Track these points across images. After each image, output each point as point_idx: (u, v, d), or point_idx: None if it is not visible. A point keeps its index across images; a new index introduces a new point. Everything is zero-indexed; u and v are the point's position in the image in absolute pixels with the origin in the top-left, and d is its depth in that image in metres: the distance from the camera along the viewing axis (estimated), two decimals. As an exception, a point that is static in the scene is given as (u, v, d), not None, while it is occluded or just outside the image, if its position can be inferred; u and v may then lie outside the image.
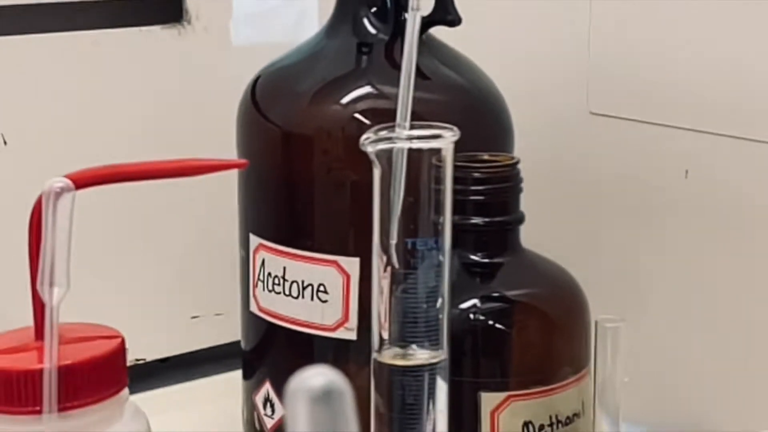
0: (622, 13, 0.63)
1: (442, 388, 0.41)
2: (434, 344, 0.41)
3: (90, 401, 0.39)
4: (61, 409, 0.37)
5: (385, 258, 0.40)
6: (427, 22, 0.53)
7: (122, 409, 0.41)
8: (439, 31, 0.55)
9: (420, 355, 0.40)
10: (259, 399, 0.56)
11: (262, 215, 0.56)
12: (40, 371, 0.37)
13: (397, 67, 0.42)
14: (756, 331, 0.59)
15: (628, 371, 0.48)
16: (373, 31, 0.53)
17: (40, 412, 0.37)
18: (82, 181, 0.38)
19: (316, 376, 0.20)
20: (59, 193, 0.37)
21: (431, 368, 0.40)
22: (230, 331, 0.66)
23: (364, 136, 0.39)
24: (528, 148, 0.55)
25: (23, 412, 0.38)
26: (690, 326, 0.62)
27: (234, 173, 0.57)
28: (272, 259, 0.54)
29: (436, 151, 0.39)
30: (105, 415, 0.40)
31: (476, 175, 0.48)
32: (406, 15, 0.42)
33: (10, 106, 0.66)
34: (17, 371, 0.38)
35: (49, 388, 0.37)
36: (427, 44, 0.53)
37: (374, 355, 0.41)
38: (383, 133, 0.39)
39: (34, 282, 0.38)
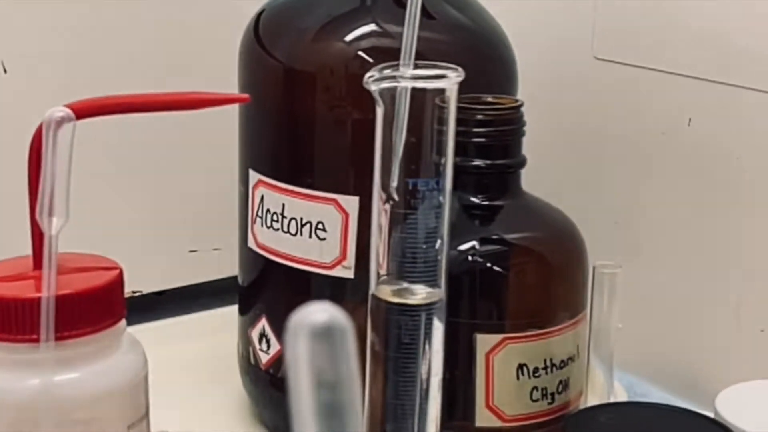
0: (630, -42, 0.62)
1: (438, 328, 0.41)
2: (432, 285, 0.41)
3: (87, 331, 0.39)
4: (58, 339, 0.37)
5: (385, 197, 0.40)
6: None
7: (119, 340, 0.41)
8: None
9: (417, 295, 0.40)
10: (254, 334, 0.56)
11: (262, 151, 0.55)
12: (38, 300, 0.37)
13: (403, 5, 0.41)
14: (752, 280, 0.59)
15: (623, 318, 0.49)
16: (379, -32, 0.53)
17: (37, 340, 0.37)
18: (83, 111, 0.38)
19: (319, 312, 0.20)
20: (60, 123, 0.37)
21: (428, 308, 0.40)
22: (228, 266, 0.66)
23: (368, 74, 0.39)
24: (532, 92, 0.55)
25: (20, 340, 0.38)
26: (686, 275, 0.62)
27: (235, 108, 0.57)
28: (271, 195, 0.54)
29: (440, 92, 0.39)
30: (102, 345, 0.40)
31: (479, 117, 0.48)
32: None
33: (11, 33, 0.65)
34: (15, 299, 0.38)
35: (47, 316, 0.37)
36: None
37: (372, 290, 0.41)
38: (387, 72, 0.39)
39: (33, 211, 0.38)
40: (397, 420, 0.41)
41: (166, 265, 0.73)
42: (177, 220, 0.73)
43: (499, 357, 0.48)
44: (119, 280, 0.40)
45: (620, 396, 0.57)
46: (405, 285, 0.40)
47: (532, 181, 0.51)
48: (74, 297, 0.38)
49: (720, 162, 0.59)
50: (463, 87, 0.40)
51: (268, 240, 0.54)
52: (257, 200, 0.55)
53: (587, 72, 0.65)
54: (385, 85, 0.39)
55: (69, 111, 0.37)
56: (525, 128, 0.49)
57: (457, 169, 0.42)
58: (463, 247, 0.48)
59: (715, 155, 0.59)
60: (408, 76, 0.39)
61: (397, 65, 0.39)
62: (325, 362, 0.20)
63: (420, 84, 0.39)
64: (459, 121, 0.41)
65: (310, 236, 0.53)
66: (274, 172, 0.54)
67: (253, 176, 0.55)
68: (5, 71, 0.65)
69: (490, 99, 0.50)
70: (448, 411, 0.45)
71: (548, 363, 0.49)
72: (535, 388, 0.48)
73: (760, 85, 0.57)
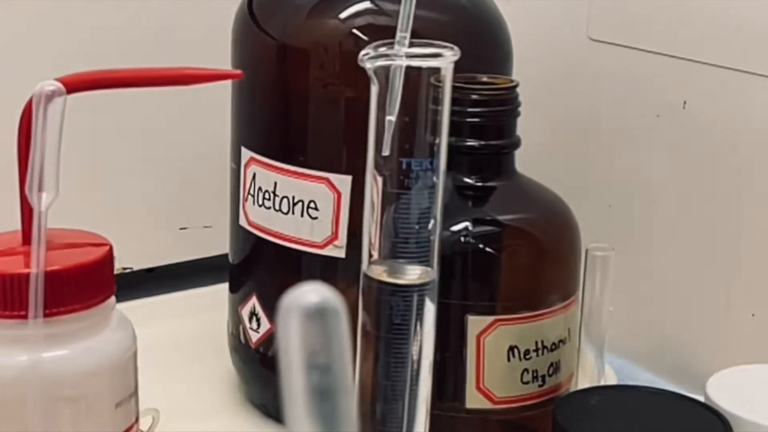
0: (628, -62, 0.62)
1: (430, 309, 0.40)
2: (424, 265, 0.40)
3: (76, 308, 0.39)
4: (46, 315, 0.37)
5: (378, 176, 0.39)
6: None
7: (108, 317, 0.41)
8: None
9: (410, 275, 0.40)
10: (245, 313, 0.56)
11: (254, 128, 0.55)
12: (27, 276, 0.37)
13: (399, -17, 0.41)
14: (744, 265, 0.59)
15: (615, 301, 0.49)
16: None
17: (25, 317, 0.37)
18: (74, 85, 0.38)
19: (310, 293, 0.19)
20: (50, 97, 0.37)
21: (420, 289, 0.40)
22: (218, 243, 0.65)
23: (362, 52, 0.38)
24: (526, 73, 0.55)
25: (9, 316, 0.38)
26: (679, 259, 0.62)
27: (228, 84, 0.56)
28: (263, 173, 0.53)
29: (435, 71, 0.39)
30: (91, 322, 0.39)
31: (474, 96, 0.48)
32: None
33: (1, 6, 0.64)
34: (3, 275, 0.38)
35: (36, 292, 0.36)
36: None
37: (364, 270, 0.41)
38: (382, 50, 0.38)
39: (22, 186, 0.38)
40: (387, 401, 0.41)
41: (157, 241, 0.72)
42: (168, 197, 0.72)
43: (490, 338, 0.47)
44: (109, 257, 0.40)
45: (610, 379, 0.57)
46: (397, 265, 0.40)
47: (525, 162, 0.51)
48: (63, 273, 0.38)
49: (715, 145, 0.59)
50: (457, 66, 0.39)
51: (260, 218, 0.54)
52: (249, 178, 0.54)
53: (582, 53, 0.65)
54: (380, 63, 0.38)
55: (60, 85, 0.37)
56: (520, 109, 0.49)
57: (451, 150, 0.41)
58: (456, 227, 0.48)
59: (709, 138, 0.59)
60: (403, 55, 0.38)
61: (393, 43, 0.39)
62: (316, 344, 0.19)
63: (415, 62, 0.38)
64: (453, 101, 0.40)
65: (302, 215, 0.52)
66: (267, 150, 0.53)
67: (245, 154, 0.55)
68: (-4, 44, 0.64)
69: (485, 79, 0.49)
70: (438, 392, 0.45)
71: (539, 345, 0.48)
72: (526, 370, 0.48)
73: (756, 68, 0.56)
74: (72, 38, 0.66)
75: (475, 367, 0.48)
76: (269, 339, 0.55)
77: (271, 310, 0.55)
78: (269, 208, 0.53)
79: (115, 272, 0.41)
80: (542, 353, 0.48)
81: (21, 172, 0.38)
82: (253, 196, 0.54)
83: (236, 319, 0.57)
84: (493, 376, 0.48)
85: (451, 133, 0.40)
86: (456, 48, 0.39)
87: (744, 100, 0.57)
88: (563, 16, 0.66)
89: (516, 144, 0.49)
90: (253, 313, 0.55)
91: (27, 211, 0.39)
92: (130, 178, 0.70)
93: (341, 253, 0.52)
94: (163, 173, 0.72)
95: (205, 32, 0.67)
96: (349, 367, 0.20)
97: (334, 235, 0.52)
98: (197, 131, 0.71)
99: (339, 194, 0.51)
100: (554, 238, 0.50)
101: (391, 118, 0.38)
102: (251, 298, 0.56)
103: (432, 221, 0.40)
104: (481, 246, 0.48)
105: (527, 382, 0.48)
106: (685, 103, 0.60)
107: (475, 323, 0.47)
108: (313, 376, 0.19)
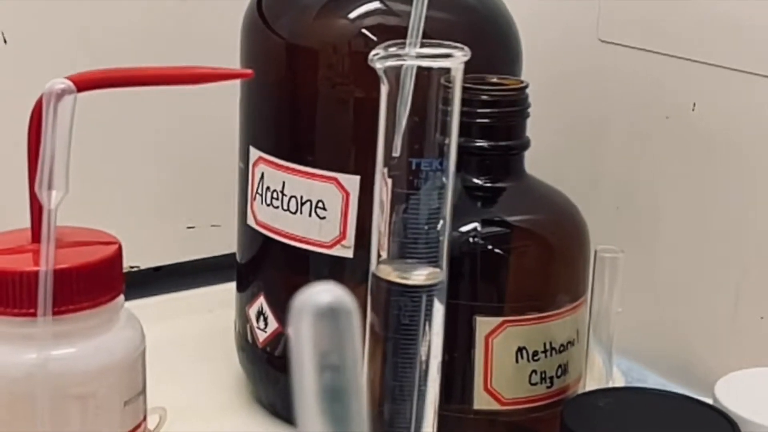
0: (638, -60, 0.62)
1: (439, 310, 0.40)
2: (433, 266, 0.40)
3: (85, 306, 0.39)
4: (55, 313, 0.37)
5: (388, 177, 0.39)
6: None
7: (117, 316, 0.41)
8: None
9: (418, 276, 0.40)
10: (252, 312, 0.56)
11: (263, 128, 0.55)
12: (36, 273, 0.37)
13: (408, -17, 0.41)
14: (752, 267, 0.59)
15: (623, 303, 0.48)
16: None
17: (34, 314, 0.37)
18: (84, 83, 0.38)
19: (323, 293, 0.19)
20: (60, 95, 0.37)
21: (429, 289, 0.40)
22: (226, 242, 0.65)
23: (373, 52, 0.38)
24: (536, 74, 0.55)
25: (18, 314, 0.38)
26: (687, 261, 0.62)
27: (236, 83, 0.56)
28: (272, 172, 0.53)
29: (446, 71, 0.39)
30: (100, 320, 0.39)
31: (484, 97, 0.48)
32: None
33: (11, 3, 0.64)
34: (13, 272, 0.38)
35: (45, 290, 0.36)
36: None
37: (372, 270, 0.40)
38: (393, 50, 0.38)
39: (32, 184, 0.38)
40: (395, 401, 0.41)
41: (164, 240, 0.72)
42: (176, 195, 0.72)
43: (498, 340, 0.47)
44: (118, 255, 0.40)
45: (618, 381, 0.57)
46: (406, 266, 0.40)
47: (535, 163, 0.51)
48: (73, 271, 0.38)
49: (723, 147, 0.59)
50: (467, 67, 0.39)
51: (268, 218, 0.54)
52: (257, 177, 0.54)
53: (592, 54, 0.65)
54: (390, 63, 0.38)
55: (70, 83, 0.37)
56: (529, 110, 0.49)
57: (461, 150, 0.41)
58: (465, 228, 0.48)
59: (718, 140, 0.59)
60: (414, 55, 0.38)
61: (403, 43, 0.39)
62: (328, 344, 0.19)
63: (426, 63, 0.38)
64: (463, 102, 0.40)
65: (310, 215, 0.52)
66: (275, 150, 0.53)
67: (254, 153, 0.55)
68: (5, 42, 0.64)
69: (494, 80, 0.49)
70: (446, 393, 0.45)
71: (548, 346, 0.48)
72: (534, 371, 0.48)
73: (766, 71, 0.56)
74: (82, 37, 0.66)
75: (483, 368, 0.48)
76: (276, 338, 0.55)
77: (278, 309, 0.55)
78: (277, 207, 0.53)
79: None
80: (550, 355, 0.48)
81: (31, 169, 0.38)
82: (261, 195, 0.54)
83: (243, 319, 0.57)
84: (501, 377, 0.48)
85: (460, 134, 0.40)
86: (466, 48, 0.39)
87: (754, 103, 0.57)
88: (573, 18, 0.66)
89: (525, 145, 0.49)
90: (260, 313, 0.55)
91: (36, 209, 0.39)
92: (138, 177, 0.70)
93: (349, 253, 0.52)
94: (171, 172, 0.72)
95: (215, 31, 0.67)
96: (361, 367, 0.20)
97: (342, 235, 0.52)
98: (205, 130, 0.71)
99: (347, 194, 0.51)
100: (563, 240, 0.50)
101: (400, 133, 0.38)
102: (259, 298, 0.56)
103: (441, 222, 0.40)
104: (489, 247, 0.48)
105: (535, 384, 0.48)
106: (694, 105, 0.60)
107: (483, 324, 0.47)
108: (324, 376, 0.19)
